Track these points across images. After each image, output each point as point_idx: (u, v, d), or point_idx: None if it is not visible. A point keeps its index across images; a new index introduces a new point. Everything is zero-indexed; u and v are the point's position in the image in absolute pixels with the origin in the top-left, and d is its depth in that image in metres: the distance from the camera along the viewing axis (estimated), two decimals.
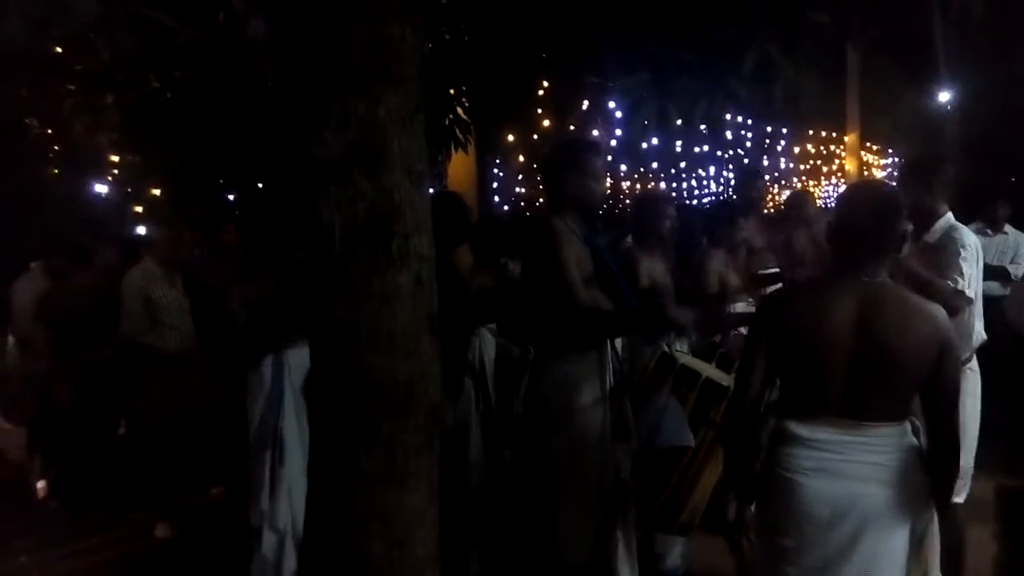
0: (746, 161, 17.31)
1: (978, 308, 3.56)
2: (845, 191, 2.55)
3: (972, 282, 3.37)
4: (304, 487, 3.54)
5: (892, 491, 2.14)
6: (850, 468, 2.15)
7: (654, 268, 4.12)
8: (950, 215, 3.56)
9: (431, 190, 2.35)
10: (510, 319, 3.83)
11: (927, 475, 2.19)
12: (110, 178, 8.36)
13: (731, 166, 19.21)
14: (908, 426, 2.21)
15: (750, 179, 5.59)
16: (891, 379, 2.15)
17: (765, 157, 19.01)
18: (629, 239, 4.50)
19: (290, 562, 3.71)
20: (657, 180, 18.77)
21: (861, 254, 2.20)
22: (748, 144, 17.60)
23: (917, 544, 2.19)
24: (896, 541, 2.16)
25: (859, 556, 2.14)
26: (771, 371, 2.30)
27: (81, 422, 4.93)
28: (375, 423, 1.89)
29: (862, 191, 2.50)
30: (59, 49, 4.32)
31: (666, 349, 3.52)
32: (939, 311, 2.19)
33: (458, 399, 3.48)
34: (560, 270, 3.03)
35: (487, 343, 3.67)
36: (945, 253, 3.41)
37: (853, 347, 2.14)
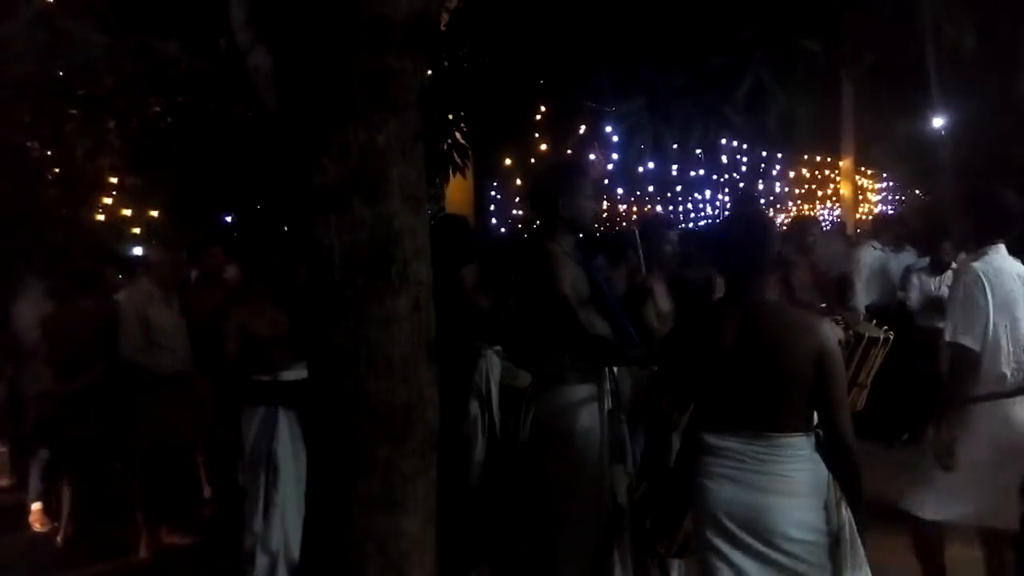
0: (741, 185, 17.42)
1: (995, 345, 3.13)
2: (720, 223, 2.71)
3: (960, 326, 3.11)
4: (297, 510, 3.59)
5: (795, 501, 2.27)
6: (754, 478, 2.29)
7: (657, 292, 4.15)
8: (986, 251, 3.24)
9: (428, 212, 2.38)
10: (510, 342, 3.85)
11: (836, 483, 2.32)
12: (109, 200, 8.39)
13: (727, 190, 19.31)
14: (811, 438, 2.33)
15: (746, 205, 5.66)
16: (777, 390, 2.29)
17: (760, 181, 19.11)
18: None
19: None
20: (654, 204, 18.86)
21: (741, 279, 2.40)
22: (743, 168, 17.70)
23: (834, 548, 2.29)
24: (812, 551, 2.27)
25: (776, 564, 2.25)
26: (681, 392, 2.54)
27: (78, 445, 4.90)
28: (373, 448, 1.91)
29: (731, 223, 2.72)
30: (61, 74, 4.38)
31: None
32: (819, 323, 2.36)
33: (464, 421, 3.49)
34: (558, 294, 3.06)
35: (493, 366, 3.68)
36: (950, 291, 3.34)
37: (738, 362, 2.30)
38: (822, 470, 2.32)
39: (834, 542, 2.30)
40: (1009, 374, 3.14)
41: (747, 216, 2.76)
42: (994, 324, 3.10)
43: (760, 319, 2.33)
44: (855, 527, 2.34)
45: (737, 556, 2.29)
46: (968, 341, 3.07)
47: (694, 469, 2.41)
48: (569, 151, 8.74)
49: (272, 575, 3.76)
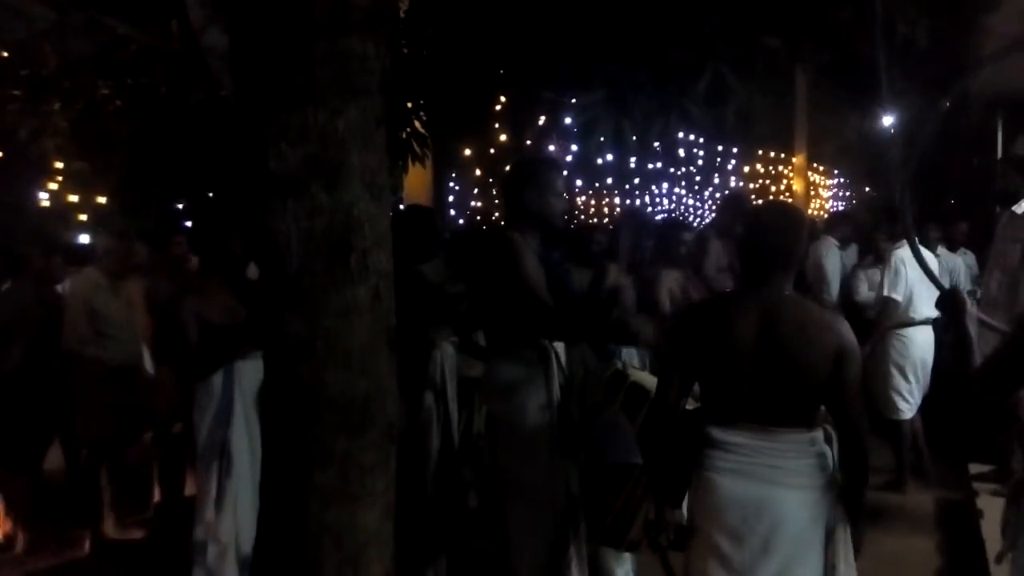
0: (698, 178, 17.60)
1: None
2: (752, 212, 2.69)
3: (891, 285, 5.26)
4: (250, 501, 3.52)
5: (800, 495, 2.26)
6: (760, 471, 2.27)
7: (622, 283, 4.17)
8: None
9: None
10: (465, 327, 3.81)
11: (839, 481, 2.31)
12: (55, 185, 8.11)
13: (683, 183, 19.51)
14: (818, 434, 2.32)
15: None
16: (792, 386, 2.27)
17: (716, 175, 19.32)
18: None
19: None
20: (611, 196, 18.95)
21: (766, 270, 2.34)
22: (700, 162, 17.87)
23: (828, 542, 2.29)
24: (811, 544, 2.27)
25: (777, 557, 2.24)
26: (688, 380, 2.45)
27: (16, 434, 4.72)
28: (330, 440, 1.86)
29: (765, 212, 2.66)
30: (5, 54, 4.21)
31: (619, 366, 3.55)
32: (838, 321, 2.32)
33: (419, 413, 3.45)
34: (523, 278, 3.04)
35: (448, 357, 3.65)
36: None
37: (755, 357, 2.26)
38: (828, 464, 2.31)
39: (829, 536, 2.29)
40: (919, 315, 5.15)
41: (777, 208, 2.70)
42: (911, 283, 5.08)
43: (780, 314, 2.27)
44: (849, 520, 2.35)
45: (734, 551, 2.26)
46: (896, 295, 5.16)
47: (698, 463, 2.36)
48: (528, 142, 8.73)
49: (221, 566, 3.69)
